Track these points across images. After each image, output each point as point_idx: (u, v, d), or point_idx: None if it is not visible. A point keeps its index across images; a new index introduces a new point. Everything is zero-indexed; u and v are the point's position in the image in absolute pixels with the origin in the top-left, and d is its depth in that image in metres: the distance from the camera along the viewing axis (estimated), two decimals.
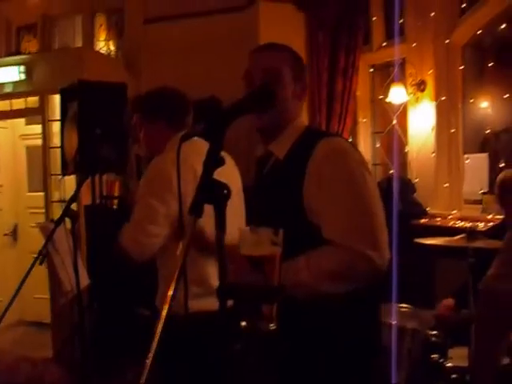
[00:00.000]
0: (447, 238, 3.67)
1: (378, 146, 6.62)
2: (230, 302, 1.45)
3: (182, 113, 2.85)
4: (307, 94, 2.16)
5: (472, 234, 3.34)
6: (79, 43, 8.16)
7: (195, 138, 1.77)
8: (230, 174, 2.71)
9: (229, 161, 2.71)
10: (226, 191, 1.34)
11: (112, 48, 8.14)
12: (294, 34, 6.23)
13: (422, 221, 5.57)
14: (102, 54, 7.84)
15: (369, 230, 1.76)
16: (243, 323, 1.51)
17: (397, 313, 3.91)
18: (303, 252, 1.78)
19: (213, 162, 1.39)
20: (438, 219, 5.55)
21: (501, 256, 1.98)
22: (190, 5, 7.19)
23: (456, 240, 3.48)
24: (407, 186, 5.76)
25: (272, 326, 1.56)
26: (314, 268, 1.76)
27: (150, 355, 1.20)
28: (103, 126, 4.63)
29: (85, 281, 3.82)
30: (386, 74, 6.47)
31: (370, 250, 1.73)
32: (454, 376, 3.73)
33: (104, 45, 8.12)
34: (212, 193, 1.34)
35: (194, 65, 6.96)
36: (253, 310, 1.54)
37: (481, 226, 4.83)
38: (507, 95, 5.45)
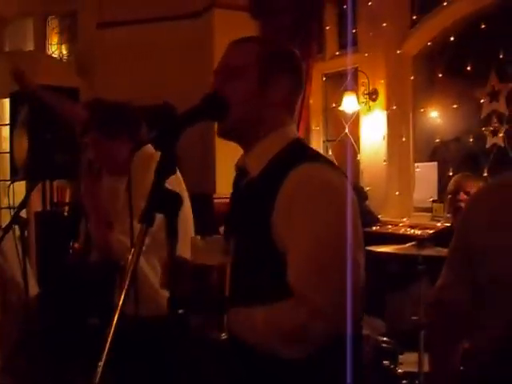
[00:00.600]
0: (397, 246, 3.72)
1: (330, 153, 6.69)
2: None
3: (138, 125, 2.84)
4: (294, 101, 1.80)
5: (421, 241, 3.40)
6: (31, 46, 8.04)
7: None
8: (177, 182, 2.65)
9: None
10: (177, 200, 1.34)
11: (64, 52, 8.06)
12: None
13: (374, 228, 5.63)
14: (54, 57, 7.75)
15: (330, 285, 1.52)
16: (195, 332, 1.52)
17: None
18: (270, 283, 1.58)
19: (165, 170, 1.38)
20: (390, 227, 5.63)
21: (446, 265, 1.97)
22: (145, 10, 7.17)
23: (406, 248, 3.54)
24: (359, 194, 5.83)
25: (223, 336, 1.57)
26: (269, 326, 1.54)
27: (103, 359, 1.19)
28: (54, 131, 4.57)
29: (34, 290, 3.76)
30: (338, 83, 6.55)
31: (329, 306, 1.50)
32: (404, 382, 3.78)
33: (56, 49, 8.03)
34: (164, 202, 1.34)
35: (147, 70, 6.94)
36: (203, 320, 1.54)
37: (430, 233, 4.93)
38: (456, 105, 5.56)
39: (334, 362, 1.54)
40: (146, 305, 2.21)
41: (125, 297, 1.25)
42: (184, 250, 1.54)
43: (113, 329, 1.19)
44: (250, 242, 1.64)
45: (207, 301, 1.57)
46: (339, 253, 1.51)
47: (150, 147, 2.50)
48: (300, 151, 1.70)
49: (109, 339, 1.18)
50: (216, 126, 1.73)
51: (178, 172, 2.67)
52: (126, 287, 1.25)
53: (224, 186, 6.47)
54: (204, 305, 1.58)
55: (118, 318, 1.21)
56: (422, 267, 3.42)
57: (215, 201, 6.53)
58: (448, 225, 4.49)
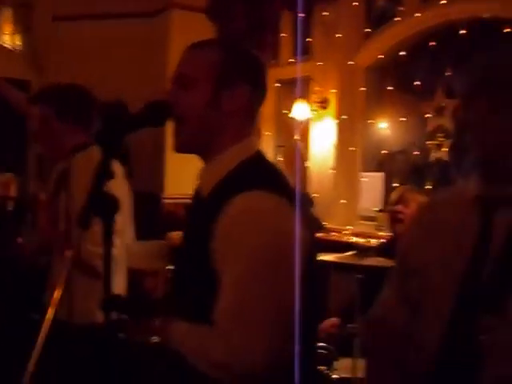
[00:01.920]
0: (339, 255, 3.79)
1: (280, 159, 6.76)
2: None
3: (90, 112, 2.78)
4: (255, 110, 1.71)
5: (362, 251, 3.48)
6: None
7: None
8: (120, 186, 2.54)
9: (119, 173, 2.50)
10: (115, 205, 1.34)
11: (18, 43, 7.93)
12: None
13: (319, 235, 5.71)
14: (6, 47, 7.62)
15: (251, 324, 1.46)
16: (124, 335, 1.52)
17: None
18: (206, 306, 1.52)
19: (104, 174, 1.38)
20: (334, 234, 5.72)
21: (388, 284, 1.94)
22: (102, 6, 7.13)
23: (346, 257, 3.61)
24: (306, 200, 5.90)
25: (154, 339, 1.58)
26: (198, 353, 1.52)
27: (31, 364, 1.20)
28: (1, 124, 4.52)
29: None
30: (291, 90, 6.62)
31: (245, 345, 1.45)
32: None
33: (9, 38, 7.89)
34: (101, 205, 1.35)
35: (102, 66, 6.90)
36: (136, 323, 1.55)
37: (373, 241, 5.02)
38: (404, 118, 5.70)
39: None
40: (78, 312, 2.20)
41: (57, 304, 1.25)
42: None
43: (42, 335, 1.19)
44: (191, 261, 1.62)
45: (141, 304, 1.58)
46: (265, 291, 1.47)
47: (96, 150, 2.44)
48: (252, 171, 1.62)
49: (38, 346, 1.18)
50: (172, 138, 1.65)
51: (122, 175, 2.61)
52: (59, 295, 1.25)
53: (173, 187, 6.48)
54: (138, 308, 1.59)
55: (50, 324, 1.22)
56: (360, 276, 3.49)
57: (164, 201, 6.54)
58: (391, 235, 4.59)
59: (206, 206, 1.62)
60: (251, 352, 1.44)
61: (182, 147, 1.66)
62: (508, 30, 4.88)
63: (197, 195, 1.73)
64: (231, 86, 1.62)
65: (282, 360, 1.48)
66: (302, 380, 1.57)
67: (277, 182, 1.61)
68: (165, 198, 6.48)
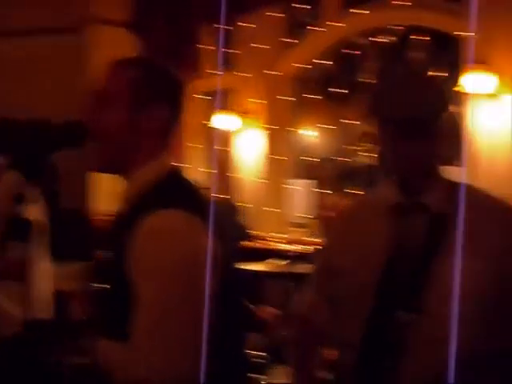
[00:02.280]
0: (269, 264, 3.84)
1: (205, 170, 6.78)
2: None
3: (8, 138, 2.73)
4: (170, 129, 1.69)
5: (293, 259, 3.54)
6: None
7: None
8: (35, 210, 2.44)
9: (35, 195, 2.44)
10: (28, 228, 1.34)
11: None
12: None
13: (248, 244, 5.75)
14: None
15: (164, 343, 1.48)
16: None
17: None
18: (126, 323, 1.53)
19: (18, 198, 1.38)
20: (264, 242, 5.77)
21: (311, 280, 2.07)
22: (19, 21, 7.00)
23: (277, 266, 3.66)
24: (230, 210, 5.92)
25: (83, 360, 1.58)
26: (122, 371, 1.53)
27: None
28: None
29: None
30: (215, 101, 6.64)
31: (162, 371, 1.47)
32: None
33: None
34: (17, 230, 1.35)
35: (20, 83, 6.77)
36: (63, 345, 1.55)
37: (304, 248, 5.09)
38: (331, 126, 5.81)
39: None
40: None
41: None
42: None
43: None
44: (111, 279, 1.63)
45: (67, 326, 1.59)
46: (179, 306, 1.49)
47: (11, 175, 2.38)
48: (166, 190, 1.62)
49: None
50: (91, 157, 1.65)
51: (38, 198, 2.54)
52: None
53: (102, 203, 6.40)
54: (64, 330, 1.59)
55: None
56: (292, 284, 3.55)
57: (92, 218, 6.46)
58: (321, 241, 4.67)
59: (121, 225, 1.63)
60: (170, 367, 1.46)
61: (101, 168, 1.67)
62: (422, 38, 5.07)
63: (117, 213, 1.73)
64: (149, 106, 1.62)
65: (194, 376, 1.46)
66: None
67: (190, 199, 1.62)
68: (94, 216, 6.40)
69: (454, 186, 1.78)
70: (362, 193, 5.28)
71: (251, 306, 4.27)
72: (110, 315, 1.60)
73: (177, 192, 1.63)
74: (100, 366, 1.57)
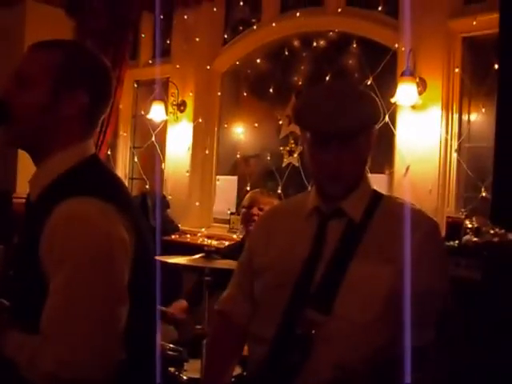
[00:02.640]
0: (188, 258, 3.84)
1: (136, 160, 6.74)
2: None
3: None
4: (94, 114, 1.68)
5: (209, 253, 3.56)
6: None
7: None
8: None
9: None
10: None
11: None
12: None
13: (173, 237, 5.76)
14: None
15: (77, 335, 1.45)
16: None
17: None
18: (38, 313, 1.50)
19: None
20: (188, 236, 5.78)
21: (233, 278, 2.12)
22: None
23: (194, 260, 3.67)
24: (161, 202, 5.93)
25: None
26: (30, 367, 1.48)
27: None
28: None
29: None
30: (149, 91, 6.62)
31: (72, 355, 1.44)
32: None
33: None
34: None
35: None
36: None
37: (221, 243, 5.14)
38: (258, 124, 5.87)
39: None
40: None
41: None
42: None
43: None
44: (23, 267, 1.59)
45: None
46: (90, 295, 1.47)
47: None
48: (81, 177, 1.60)
49: None
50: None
51: None
52: None
53: (25, 186, 6.26)
54: None
55: None
56: (208, 278, 3.57)
57: (14, 200, 6.32)
58: (241, 237, 4.72)
59: (33, 211, 1.61)
60: (79, 359, 1.44)
61: (9, 144, 1.64)
62: (355, 45, 5.17)
63: (27, 199, 1.71)
64: (69, 91, 1.60)
65: (115, 365, 1.49)
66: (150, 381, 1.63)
67: (106, 187, 1.61)
68: (15, 198, 6.26)
69: (374, 196, 1.89)
70: (283, 191, 5.39)
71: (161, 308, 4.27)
72: (22, 304, 1.57)
73: (93, 180, 1.62)
74: (7, 359, 1.52)
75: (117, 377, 1.48)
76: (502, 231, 3.32)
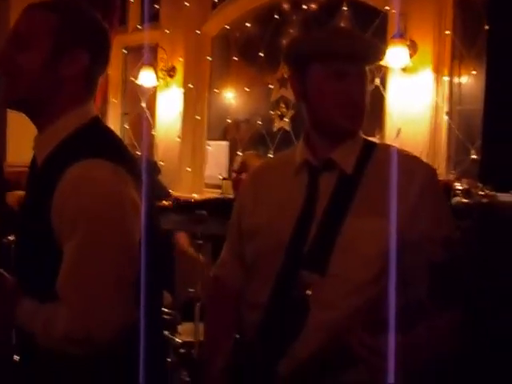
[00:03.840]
0: (180, 220, 3.86)
1: (126, 127, 6.71)
2: None
3: None
4: (94, 76, 1.63)
5: (200, 218, 3.57)
6: None
7: None
8: None
9: None
10: None
11: None
12: None
13: (165, 202, 5.75)
14: None
15: (89, 292, 1.46)
16: None
17: None
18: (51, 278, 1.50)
19: None
20: (181, 201, 5.78)
21: (226, 241, 2.07)
22: None
23: (186, 223, 3.69)
24: (152, 168, 5.92)
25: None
26: (47, 330, 1.48)
27: None
28: None
29: None
30: (138, 57, 6.57)
31: (88, 319, 1.45)
32: (182, 350, 3.96)
33: None
34: None
35: None
36: None
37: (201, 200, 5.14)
38: (248, 88, 5.84)
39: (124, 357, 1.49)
40: None
41: None
42: None
43: None
44: (31, 235, 1.57)
45: None
46: (104, 257, 1.47)
47: None
48: (87, 139, 1.56)
49: None
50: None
51: None
52: None
53: (16, 155, 6.24)
54: None
55: None
56: (200, 242, 3.59)
57: (6, 169, 6.30)
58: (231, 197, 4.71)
59: (40, 177, 1.59)
60: (93, 316, 1.45)
61: (9, 104, 1.61)
62: (345, 8, 5.14)
63: (32, 165, 1.67)
64: (70, 51, 1.56)
65: (126, 325, 1.48)
66: (147, 345, 1.61)
67: (113, 150, 1.58)
68: (7, 166, 6.24)
69: (367, 145, 1.78)
70: (272, 156, 5.39)
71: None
72: (32, 271, 1.56)
73: (101, 142, 1.59)
74: (24, 331, 1.52)
75: (127, 338, 1.45)
76: (492, 193, 3.35)
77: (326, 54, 1.71)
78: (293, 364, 1.61)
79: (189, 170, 6.10)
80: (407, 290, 1.38)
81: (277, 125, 5.54)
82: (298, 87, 1.76)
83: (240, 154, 5.51)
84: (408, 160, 1.70)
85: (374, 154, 1.75)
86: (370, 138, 1.85)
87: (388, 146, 1.92)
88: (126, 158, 1.61)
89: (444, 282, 1.30)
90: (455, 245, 1.32)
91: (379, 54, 1.80)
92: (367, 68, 1.75)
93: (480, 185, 3.38)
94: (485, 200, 3.24)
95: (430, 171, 1.76)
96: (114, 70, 6.69)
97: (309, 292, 1.63)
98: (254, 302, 1.77)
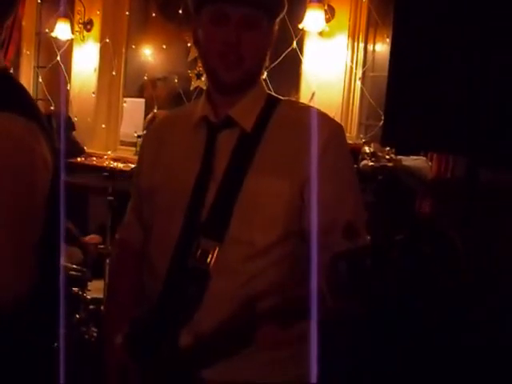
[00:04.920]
0: (93, 178, 3.84)
1: (40, 80, 6.53)
2: None
3: None
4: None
5: (112, 174, 3.56)
6: None
7: None
8: None
9: None
10: None
11: None
12: None
13: (79, 160, 5.67)
14: None
15: None
16: None
17: None
18: None
19: None
20: (94, 159, 5.71)
21: (130, 201, 1.98)
22: None
23: (99, 180, 3.68)
24: (67, 124, 5.80)
25: None
26: None
27: None
28: None
29: None
30: (54, 8, 6.35)
31: None
32: (91, 307, 3.98)
33: None
34: None
35: None
36: None
37: (126, 166, 5.11)
38: (166, 46, 5.78)
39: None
40: None
41: None
42: None
43: None
44: None
45: None
46: (5, 212, 1.42)
47: None
48: None
49: None
50: None
51: None
52: None
53: None
54: None
55: None
56: (110, 198, 3.59)
57: None
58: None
59: None
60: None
61: None
62: None
63: None
64: None
65: (28, 288, 1.46)
66: (54, 302, 1.57)
67: (26, 105, 1.54)
68: None
69: (269, 101, 1.67)
70: None
71: (76, 233, 4.27)
72: None
73: (12, 95, 1.53)
74: None
75: (28, 297, 1.45)
76: (398, 157, 3.47)
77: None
78: (193, 336, 1.51)
79: (104, 126, 6.01)
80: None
81: (194, 83, 5.51)
82: (193, 34, 1.65)
83: (156, 112, 5.47)
84: (313, 116, 1.59)
85: (277, 111, 1.65)
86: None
87: (294, 103, 1.84)
88: (38, 113, 1.56)
89: (345, 273, 1.12)
90: (358, 233, 1.18)
91: (278, 1, 1.63)
92: (271, 21, 1.62)
93: (387, 149, 3.50)
94: (390, 164, 3.36)
95: (336, 127, 1.66)
96: (27, 21, 6.46)
97: (208, 259, 1.53)
98: (153, 270, 1.67)
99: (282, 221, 1.56)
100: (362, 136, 4.49)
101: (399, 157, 3.48)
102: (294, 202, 1.56)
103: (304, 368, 1.41)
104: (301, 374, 1.51)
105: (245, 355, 1.45)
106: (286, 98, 1.75)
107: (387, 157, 3.36)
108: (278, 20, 1.66)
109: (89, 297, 4.05)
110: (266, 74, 4.90)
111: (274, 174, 1.56)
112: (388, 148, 3.43)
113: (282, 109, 1.67)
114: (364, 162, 3.58)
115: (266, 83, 1.80)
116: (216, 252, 1.53)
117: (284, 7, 1.65)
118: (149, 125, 4.18)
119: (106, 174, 3.62)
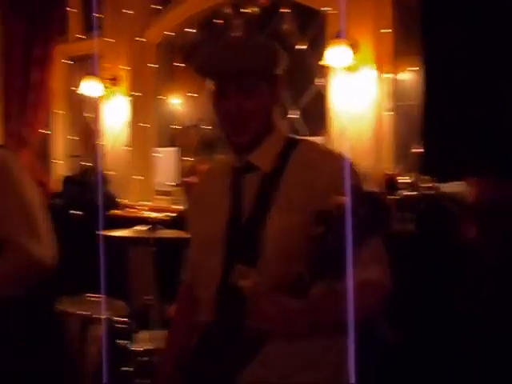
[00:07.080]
0: (134, 230, 3.86)
1: (73, 138, 6.64)
2: None
3: None
4: None
5: (154, 225, 3.58)
6: None
7: None
8: None
9: None
10: None
11: None
12: None
13: (116, 212, 5.72)
14: None
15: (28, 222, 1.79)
16: None
17: (86, 303, 3.99)
18: None
19: None
20: (131, 210, 5.76)
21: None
22: None
23: (140, 231, 3.69)
24: (102, 178, 5.87)
25: None
26: None
27: None
28: None
29: None
30: (81, 67, 6.50)
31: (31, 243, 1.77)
32: (141, 359, 3.95)
33: None
34: None
35: None
36: None
37: (166, 215, 5.15)
38: (194, 94, 5.85)
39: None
40: None
41: None
42: None
43: None
44: None
45: None
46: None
47: None
48: None
49: None
50: None
51: None
52: None
53: None
54: None
55: None
56: (153, 249, 3.59)
57: None
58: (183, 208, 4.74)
59: None
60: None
61: None
62: (284, 10, 5.21)
63: None
64: None
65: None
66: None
67: None
68: None
69: (289, 143, 1.83)
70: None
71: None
72: None
73: None
74: None
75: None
76: (436, 185, 3.44)
77: (211, 73, 1.80)
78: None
79: (138, 178, 6.07)
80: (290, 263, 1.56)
81: None
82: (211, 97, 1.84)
83: (189, 159, 5.51)
84: (319, 154, 1.79)
85: (296, 151, 1.82)
86: (314, 138, 1.92)
87: (313, 144, 1.95)
88: None
89: (321, 254, 1.40)
90: (331, 219, 1.38)
91: (271, 62, 1.79)
92: (271, 78, 1.77)
93: (426, 177, 3.46)
94: (430, 192, 3.33)
95: (339, 163, 1.69)
96: (57, 81, 6.61)
97: (242, 283, 1.66)
98: (201, 299, 1.84)
99: (295, 250, 1.65)
100: (396, 166, 4.47)
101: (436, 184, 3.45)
102: (304, 235, 1.63)
103: (339, 369, 1.58)
104: (335, 375, 1.64)
105: (277, 354, 1.63)
106: (305, 138, 1.98)
107: (425, 185, 3.33)
108: (280, 71, 1.80)
109: (136, 348, 4.02)
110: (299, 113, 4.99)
111: (289, 210, 1.71)
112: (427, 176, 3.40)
113: (300, 149, 1.83)
114: (400, 191, 3.55)
115: (299, 122, 1.92)
116: (249, 275, 1.67)
117: (280, 60, 1.79)
118: (189, 172, 4.21)
119: (146, 225, 3.63)
